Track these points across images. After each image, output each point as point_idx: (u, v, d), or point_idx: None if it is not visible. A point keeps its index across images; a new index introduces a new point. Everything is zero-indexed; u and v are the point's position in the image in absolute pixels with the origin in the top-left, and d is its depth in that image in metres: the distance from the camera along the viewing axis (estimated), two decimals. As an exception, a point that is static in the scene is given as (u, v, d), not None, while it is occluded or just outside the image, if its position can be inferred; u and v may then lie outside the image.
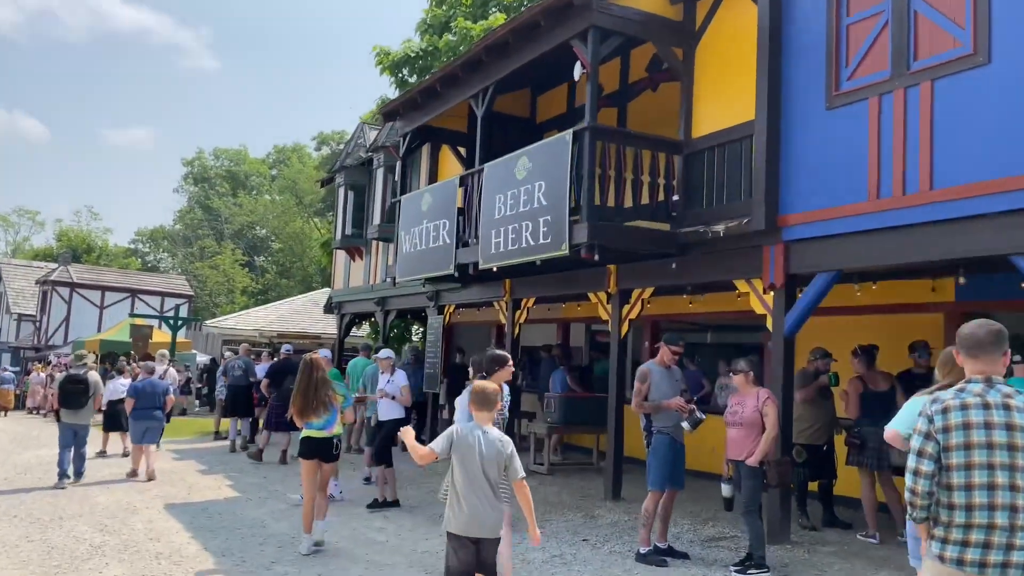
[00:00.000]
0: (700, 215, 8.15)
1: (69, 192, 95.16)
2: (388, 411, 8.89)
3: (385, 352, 9.33)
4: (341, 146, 56.94)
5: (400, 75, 21.91)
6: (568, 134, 8.07)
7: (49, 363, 24.72)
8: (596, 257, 7.76)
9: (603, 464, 11.78)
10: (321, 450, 6.97)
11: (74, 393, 10.05)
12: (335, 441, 7.11)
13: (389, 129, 14.67)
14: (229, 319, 27.33)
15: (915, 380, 7.24)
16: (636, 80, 10.63)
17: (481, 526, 4.13)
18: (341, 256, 17.63)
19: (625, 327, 9.24)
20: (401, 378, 8.97)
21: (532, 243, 8.46)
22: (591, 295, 9.85)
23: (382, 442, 8.84)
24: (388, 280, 14.93)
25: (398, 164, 12.26)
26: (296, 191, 58.36)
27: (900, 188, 6.25)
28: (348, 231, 16.50)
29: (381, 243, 15.54)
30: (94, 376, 10.34)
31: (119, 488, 10.18)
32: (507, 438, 4.31)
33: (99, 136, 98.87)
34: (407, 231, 11.52)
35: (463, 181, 10.29)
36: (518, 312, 11.34)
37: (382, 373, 9.16)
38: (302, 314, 27.65)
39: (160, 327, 27.43)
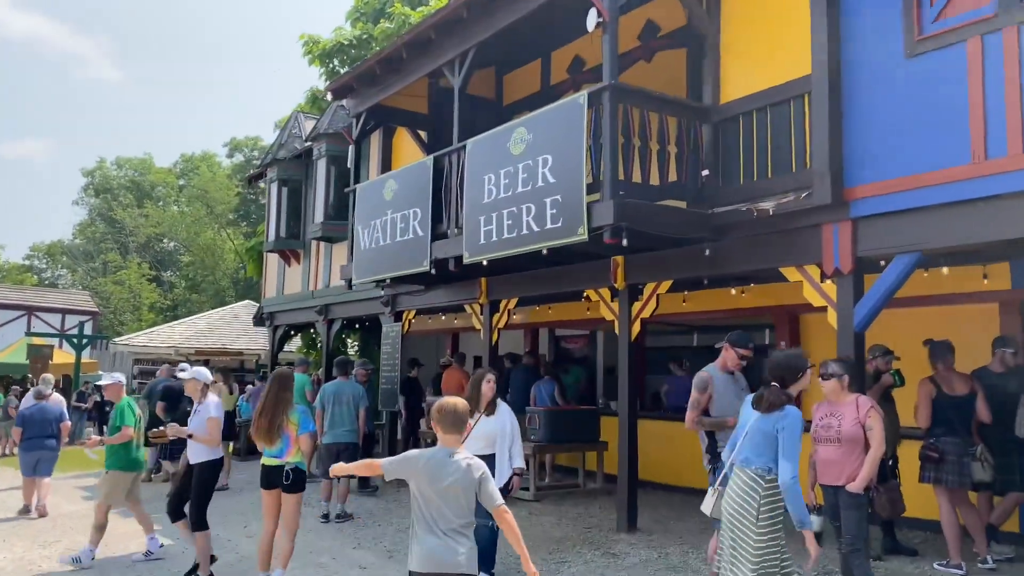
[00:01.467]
0: (738, 192, 6.91)
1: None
2: (197, 453, 6.56)
3: (199, 371, 6.72)
4: (255, 152, 54.43)
5: (331, 65, 20.21)
6: (582, 96, 6.70)
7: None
8: (624, 242, 6.41)
9: (592, 486, 10.47)
10: (276, 479, 6.20)
11: None
12: (287, 471, 6.16)
13: (332, 115, 13.03)
14: (140, 336, 24.81)
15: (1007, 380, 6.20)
16: (627, 50, 9.37)
17: (441, 563, 3.58)
18: (274, 261, 15.79)
19: (636, 328, 7.93)
20: (213, 408, 6.56)
21: (536, 229, 7.06)
22: (591, 292, 8.50)
23: (196, 498, 6.59)
24: (341, 283, 13.26)
25: (351, 150, 10.68)
26: (207, 200, 55.38)
27: (1018, 145, 5.13)
28: (282, 232, 14.71)
29: (323, 244, 13.84)
30: None
31: (14, 533, 8.25)
32: (478, 461, 3.72)
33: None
34: (365, 224, 9.93)
35: (438, 162, 8.80)
36: (496, 316, 9.90)
37: (198, 403, 6.70)
38: (221, 328, 25.39)
39: (61, 346, 24.76)
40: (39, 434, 9.85)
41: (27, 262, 59.11)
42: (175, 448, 10.36)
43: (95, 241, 56.95)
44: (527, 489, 10.01)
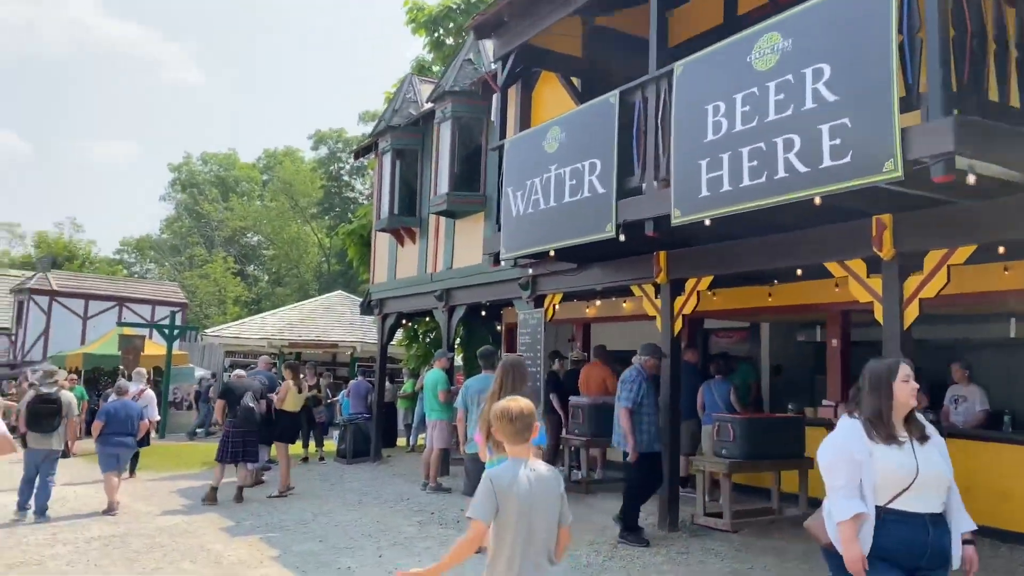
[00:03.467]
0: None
1: (52, 207, 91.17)
2: None
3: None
4: (339, 144, 53.75)
5: (436, 34, 18.58)
6: (888, -28, 4.67)
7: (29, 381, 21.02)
8: (972, 179, 4.36)
9: (792, 512, 8.41)
10: None
11: (44, 414, 8.94)
12: None
13: (457, 70, 11.26)
14: (231, 327, 23.75)
15: None
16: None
17: None
18: (384, 242, 14.15)
19: (912, 312, 5.84)
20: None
21: (802, 169, 5.07)
22: (833, 266, 6.45)
23: None
24: (464, 264, 11.51)
25: (495, 100, 8.88)
26: (291, 193, 55.04)
27: None
28: (396, 209, 13.04)
29: (444, 220, 12.11)
30: (67, 396, 9.29)
31: (107, 556, 6.72)
32: (554, 470, 3.24)
33: (83, 150, 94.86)
34: (519, 186, 8.08)
35: (627, 98, 6.87)
36: (680, 299, 7.93)
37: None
38: (314, 320, 24.13)
39: (152, 337, 23.88)
40: (119, 431, 9.58)
41: (117, 256, 59.89)
42: (237, 450, 9.91)
43: (181, 235, 57.39)
44: (718, 516, 8.04)
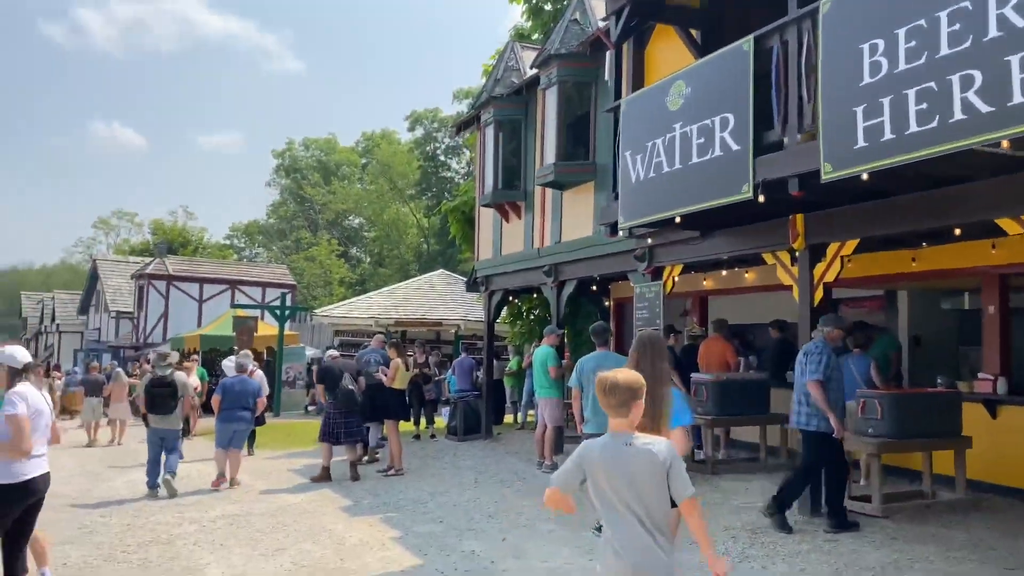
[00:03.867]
0: None
1: (166, 196, 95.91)
2: None
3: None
4: (435, 124, 54.02)
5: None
6: None
7: (148, 361, 21.96)
8: None
9: (947, 496, 7.66)
10: None
11: (161, 397, 9.40)
12: None
13: (563, 32, 10.76)
14: (339, 307, 24.13)
15: None
16: None
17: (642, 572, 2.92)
18: (488, 218, 13.86)
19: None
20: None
21: (986, 109, 4.39)
22: (1008, 223, 5.69)
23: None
24: (574, 237, 11.08)
25: (608, 58, 8.37)
26: (389, 175, 55.83)
27: None
28: (500, 183, 12.70)
29: (550, 192, 11.68)
30: (181, 377, 9.86)
31: (232, 535, 6.70)
32: (660, 443, 3.03)
33: (192, 141, 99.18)
34: (638, 149, 7.56)
35: (762, 44, 6.25)
36: (820, 266, 7.26)
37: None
38: (418, 298, 24.23)
39: (264, 319, 24.53)
40: (236, 406, 9.77)
41: (227, 241, 62.30)
42: (339, 431, 10.01)
43: (287, 219, 59.16)
44: (867, 500, 7.38)
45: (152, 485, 9.24)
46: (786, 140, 6.01)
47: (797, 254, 7.42)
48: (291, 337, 22.46)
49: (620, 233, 8.43)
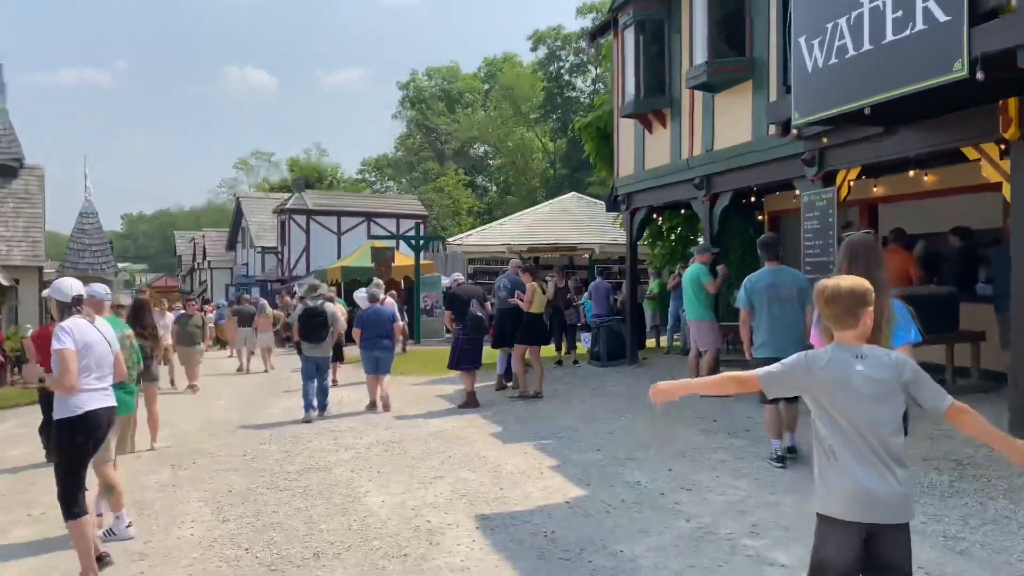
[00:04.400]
0: None
1: (298, 135, 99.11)
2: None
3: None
4: (558, 42, 52.45)
5: None
6: None
7: (291, 294, 22.73)
8: None
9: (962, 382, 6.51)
10: None
11: (314, 326, 9.71)
12: None
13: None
14: (472, 235, 24.03)
15: None
16: None
17: (871, 506, 2.59)
18: (628, 130, 13.02)
19: None
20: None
21: None
22: None
23: None
24: (728, 145, 10.16)
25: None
26: (512, 98, 54.98)
27: None
28: (642, 91, 11.80)
29: (700, 96, 10.73)
30: (331, 308, 10.15)
31: (389, 462, 6.57)
32: (899, 356, 2.69)
33: (320, 80, 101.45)
34: (815, 33, 6.59)
35: None
36: (1042, 157, 6.14)
37: None
38: (551, 223, 23.75)
39: (399, 249, 24.81)
40: (375, 334, 10.02)
41: (359, 176, 63.75)
42: (466, 357, 9.90)
43: (414, 151, 59.70)
44: None
45: (307, 410, 9.53)
46: (1014, 1, 4.94)
47: (1010, 146, 6.32)
48: (427, 266, 22.59)
49: (792, 132, 7.50)
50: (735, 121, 9.95)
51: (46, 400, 7.10)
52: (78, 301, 4.68)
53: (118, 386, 5.03)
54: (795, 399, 6.02)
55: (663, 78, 11.58)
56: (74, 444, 4.54)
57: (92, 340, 4.64)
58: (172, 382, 13.78)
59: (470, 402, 9.78)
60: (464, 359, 9.86)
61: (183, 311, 14.45)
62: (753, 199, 12.40)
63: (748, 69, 9.54)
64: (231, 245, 44.51)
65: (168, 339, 12.99)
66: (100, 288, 5.56)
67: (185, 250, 54.81)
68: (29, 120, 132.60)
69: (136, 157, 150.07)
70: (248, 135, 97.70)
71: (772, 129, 7.89)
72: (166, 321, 13.25)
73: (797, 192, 9.19)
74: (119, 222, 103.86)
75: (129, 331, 6.50)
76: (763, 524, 4.98)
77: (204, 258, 46.95)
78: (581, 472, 6.53)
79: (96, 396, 4.63)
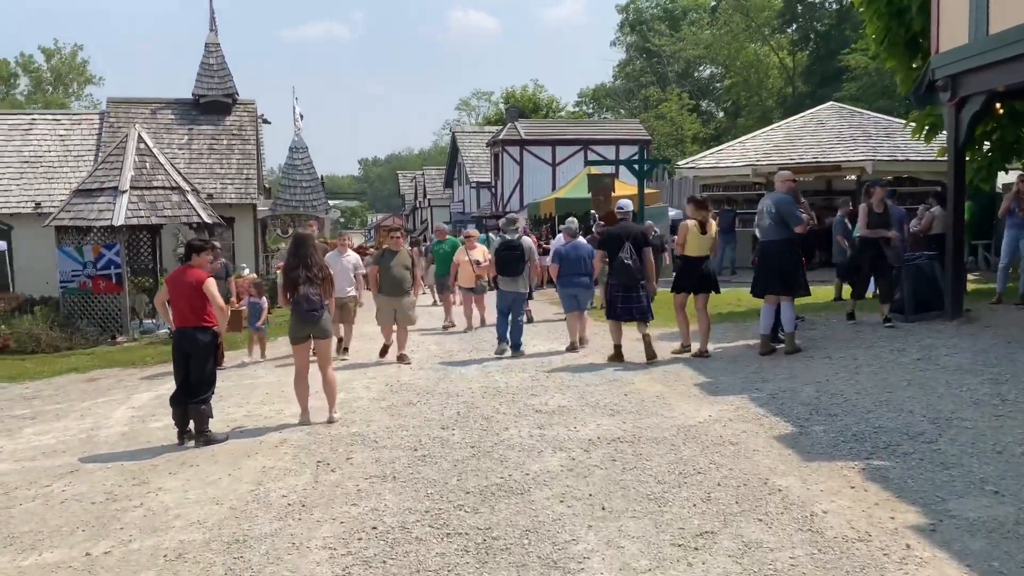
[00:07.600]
0: None
1: (518, 73, 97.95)
2: None
3: None
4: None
5: None
6: None
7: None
8: None
9: None
10: None
11: (510, 260, 9.30)
12: None
13: None
14: (707, 156, 20.42)
15: None
16: None
17: None
18: (956, -16, 8.94)
19: None
20: None
21: None
22: None
23: None
24: None
25: None
26: (745, 10, 49.08)
27: None
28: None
29: None
30: (527, 242, 9.85)
31: (602, 479, 3.91)
32: None
33: (539, 17, 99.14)
34: None
35: None
36: None
37: None
38: (805, 139, 19.52)
39: (619, 177, 21.79)
40: (573, 272, 9.38)
41: (576, 108, 61.00)
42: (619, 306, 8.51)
43: (634, 78, 55.88)
44: None
45: (501, 338, 9.37)
46: None
47: None
48: (652, 196, 19.46)
49: None
50: None
51: None
52: None
53: None
54: None
55: None
56: None
57: None
58: (345, 348, 9.84)
59: (616, 355, 8.42)
60: (613, 308, 8.47)
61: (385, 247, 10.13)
62: None
63: None
64: (448, 182, 43.84)
65: (362, 284, 9.80)
66: None
67: (408, 189, 55.46)
68: (274, 72, 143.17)
69: (371, 104, 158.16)
70: (470, 76, 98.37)
71: None
72: (347, 261, 9.75)
73: None
74: (356, 166, 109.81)
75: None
76: None
77: (424, 196, 46.82)
78: (982, 555, 3.41)
79: None
